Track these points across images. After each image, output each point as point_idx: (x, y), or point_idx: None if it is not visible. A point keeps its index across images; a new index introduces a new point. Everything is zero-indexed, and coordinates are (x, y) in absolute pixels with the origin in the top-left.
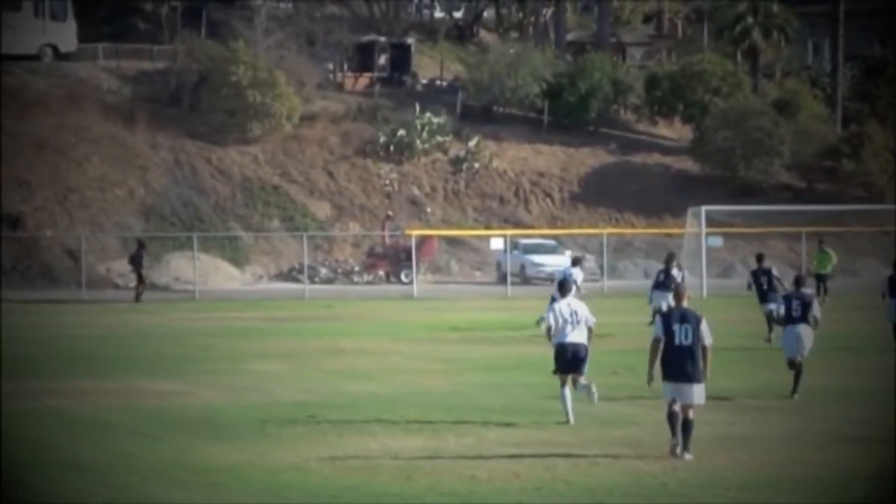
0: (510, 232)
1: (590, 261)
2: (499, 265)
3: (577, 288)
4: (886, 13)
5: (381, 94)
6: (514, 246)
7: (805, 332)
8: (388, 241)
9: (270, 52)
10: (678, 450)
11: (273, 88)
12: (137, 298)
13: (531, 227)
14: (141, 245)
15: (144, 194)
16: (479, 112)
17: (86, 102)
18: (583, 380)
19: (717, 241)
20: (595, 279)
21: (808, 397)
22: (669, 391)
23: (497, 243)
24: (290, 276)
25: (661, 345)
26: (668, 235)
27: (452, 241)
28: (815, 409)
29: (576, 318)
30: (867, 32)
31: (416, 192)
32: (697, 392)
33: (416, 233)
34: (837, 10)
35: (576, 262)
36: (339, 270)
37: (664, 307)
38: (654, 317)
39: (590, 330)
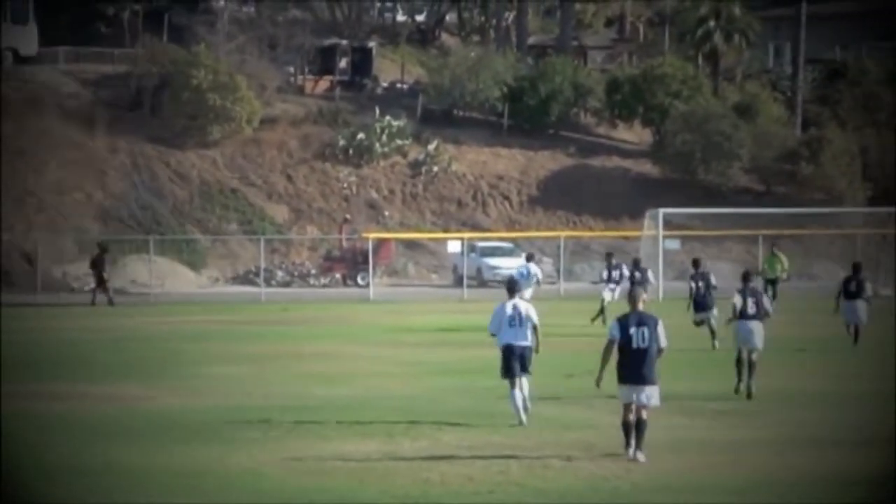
0: (467, 235)
1: (547, 263)
2: (455, 268)
3: (538, 283)
4: (847, 17)
5: (342, 97)
6: (472, 249)
7: (757, 327)
8: (345, 244)
9: (232, 55)
10: (631, 451)
11: (234, 92)
12: (93, 302)
13: (489, 230)
14: (103, 249)
15: (102, 197)
16: (440, 115)
17: (46, 106)
18: (521, 385)
19: (675, 244)
20: (552, 282)
21: (764, 400)
22: (626, 394)
23: (454, 246)
24: (246, 279)
25: (615, 347)
26: (626, 238)
27: (410, 244)
28: (771, 412)
29: (521, 319)
30: (828, 36)
31: (374, 195)
32: (653, 394)
33: (373, 236)
34: (799, 13)
35: (530, 258)
36: (296, 273)
37: (607, 298)
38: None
39: (535, 330)
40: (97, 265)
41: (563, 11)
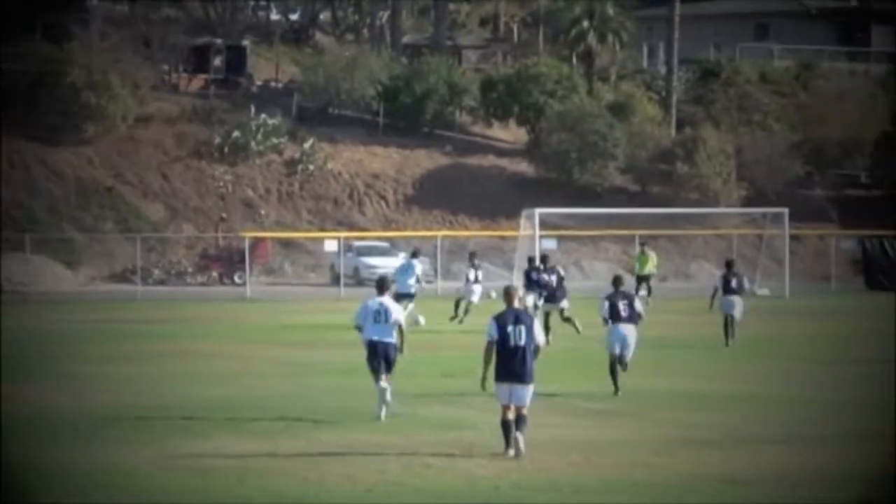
0: (344, 234)
1: (424, 262)
2: (332, 267)
3: (419, 280)
4: (721, 17)
5: (217, 95)
6: (348, 248)
7: (629, 330)
8: (221, 242)
9: (106, 53)
10: (511, 451)
11: (108, 90)
12: None
13: (365, 229)
14: None
15: None
16: (315, 114)
17: None
18: (385, 380)
19: (551, 244)
20: (430, 281)
21: (644, 401)
22: (503, 392)
23: (331, 245)
24: (123, 277)
25: (495, 347)
26: (502, 238)
27: (286, 243)
28: (651, 412)
29: (387, 316)
30: (702, 36)
31: (250, 193)
32: (529, 393)
33: (249, 235)
34: (672, 14)
35: (415, 254)
36: (173, 272)
37: (475, 300)
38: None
39: (400, 329)
40: None
41: (437, 11)
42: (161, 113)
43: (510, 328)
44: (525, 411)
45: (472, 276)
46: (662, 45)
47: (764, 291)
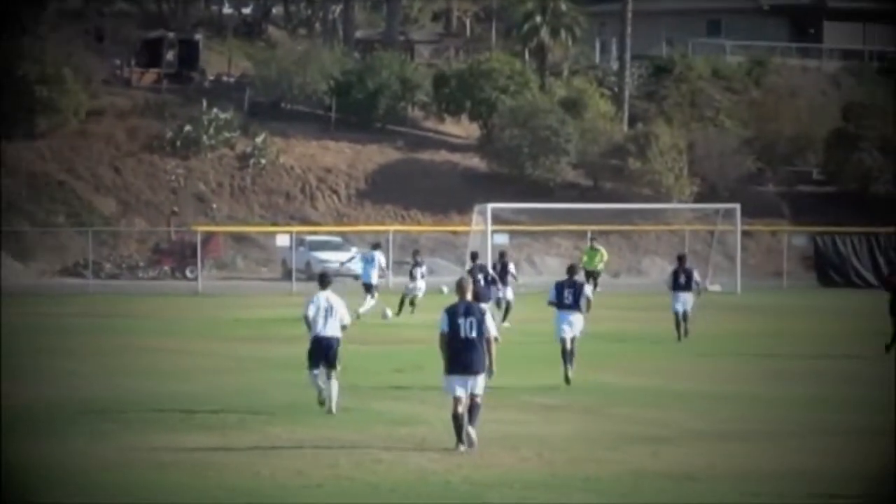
0: (296, 229)
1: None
2: (284, 262)
3: (383, 271)
4: (673, 14)
5: (169, 89)
6: (300, 243)
7: (576, 317)
8: (173, 237)
9: (58, 47)
10: (462, 446)
11: (60, 84)
12: None
13: (317, 223)
14: None
15: None
16: (267, 108)
17: None
18: (333, 376)
19: (504, 239)
20: (381, 276)
21: (596, 396)
22: (453, 384)
23: (283, 240)
24: (74, 271)
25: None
26: (455, 233)
27: (238, 238)
28: (603, 408)
29: (332, 312)
30: (655, 32)
31: (202, 188)
32: (480, 383)
33: (201, 229)
34: (625, 9)
35: (377, 245)
36: (125, 266)
37: (419, 295)
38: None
39: (343, 328)
40: None
41: (389, 6)
42: (113, 107)
43: (461, 320)
44: (479, 400)
45: (417, 273)
46: (615, 41)
47: (716, 287)
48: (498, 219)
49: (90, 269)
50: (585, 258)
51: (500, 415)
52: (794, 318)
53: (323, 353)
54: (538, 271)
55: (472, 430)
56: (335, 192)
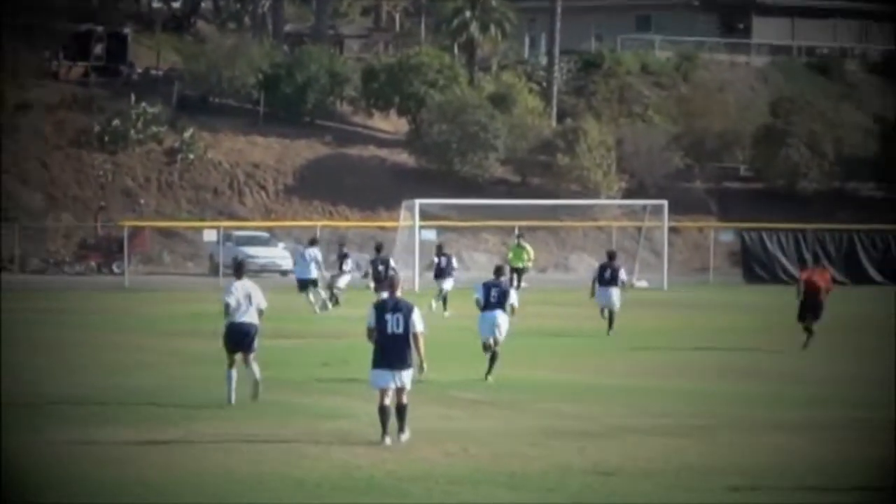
0: (224, 224)
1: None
2: (212, 257)
3: (319, 266)
4: (602, 9)
5: (97, 83)
6: (228, 238)
7: (501, 318)
8: (100, 232)
9: None
10: (388, 439)
11: None
12: None
13: (245, 219)
14: None
15: None
16: (196, 103)
17: None
18: (252, 358)
19: (431, 235)
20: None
21: (521, 391)
22: (381, 379)
23: (210, 235)
24: (0, 266)
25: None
26: (383, 229)
27: (166, 233)
28: (528, 403)
29: (249, 300)
30: (584, 27)
31: (129, 182)
32: (406, 377)
33: (128, 224)
34: (554, 5)
35: (313, 241)
36: (51, 261)
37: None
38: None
39: (260, 312)
40: None
41: (318, 0)
42: (41, 100)
43: (388, 316)
44: (405, 398)
45: (346, 267)
46: (544, 36)
47: (642, 283)
48: (426, 214)
49: (16, 264)
50: (511, 255)
51: (426, 410)
52: (719, 313)
53: (240, 339)
54: (466, 267)
55: (403, 438)
56: (263, 187)
